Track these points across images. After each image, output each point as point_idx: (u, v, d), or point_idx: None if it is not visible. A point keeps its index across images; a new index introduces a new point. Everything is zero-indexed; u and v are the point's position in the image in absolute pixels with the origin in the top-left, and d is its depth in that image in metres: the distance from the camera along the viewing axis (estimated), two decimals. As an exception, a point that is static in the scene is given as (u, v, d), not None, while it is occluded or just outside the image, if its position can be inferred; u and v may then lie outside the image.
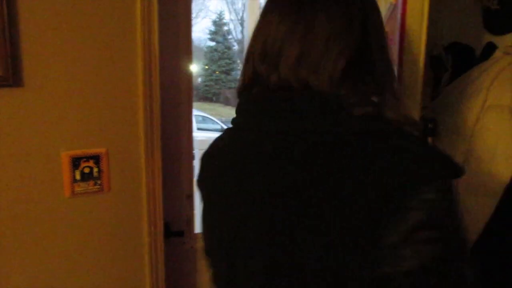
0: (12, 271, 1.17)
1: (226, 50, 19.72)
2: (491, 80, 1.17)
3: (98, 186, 1.25)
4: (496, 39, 1.43)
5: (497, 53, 1.28)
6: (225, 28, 20.40)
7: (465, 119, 1.17)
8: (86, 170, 1.24)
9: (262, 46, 0.65)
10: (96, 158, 1.24)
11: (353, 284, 0.53)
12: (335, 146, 0.57)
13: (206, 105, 18.20)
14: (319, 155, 0.57)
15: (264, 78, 0.64)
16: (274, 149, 0.62)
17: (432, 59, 1.48)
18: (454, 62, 1.56)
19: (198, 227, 1.45)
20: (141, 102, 1.25)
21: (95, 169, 1.25)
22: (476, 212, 1.10)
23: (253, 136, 0.66)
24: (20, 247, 1.17)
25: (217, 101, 19.66)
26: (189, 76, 1.43)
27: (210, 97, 19.99)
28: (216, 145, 0.77)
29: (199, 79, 19.63)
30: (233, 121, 0.72)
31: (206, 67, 20.09)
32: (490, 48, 1.39)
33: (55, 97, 1.15)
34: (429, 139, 1.26)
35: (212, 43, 20.23)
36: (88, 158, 1.23)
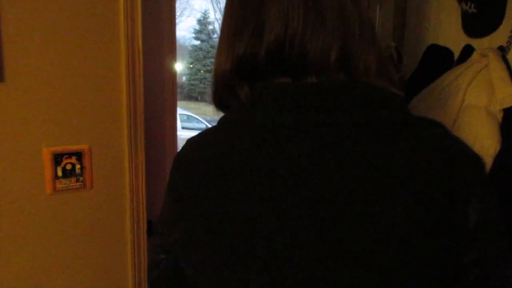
0: (-9, 268, 1.15)
1: (211, 49, 19.65)
2: (469, 81, 1.20)
3: (80, 183, 1.25)
4: (474, 42, 1.47)
5: (474, 56, 1.31)
6: (210, 27, 20.35)
7: (443, 120, 1.20)
8: (68, 167, 1.23)
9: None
10: (79, 155, 1.23)
11: None
12: (390, 140, 0.52)
13: (191, 104, 18.13)
14: (374, 152, 0.51)
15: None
16: (322, 146, 0.53)
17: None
18: (431, 64, 1.60)
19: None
20: (124, 99, 1.25)
21: (78, 166, 1.24)
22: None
23: (286, 133, 0.55)
24: (0, 244, 1.15)
25: (202, 100, 19.59)
26: (173, 74, 1.44)
27: (195, 96, 19.92)
28: (208, 144, 0.64)
29: (184, 78, 19.54)
30: (245, 115, 0.60)
31: (191, 66, 20.01)
32: (468, 51, 1.43)
33: (37, 92, 1.14)
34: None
35: (197, 42, 20.17)
36: (70, 154, 1.22)
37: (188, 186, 0.63)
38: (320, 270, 0.50)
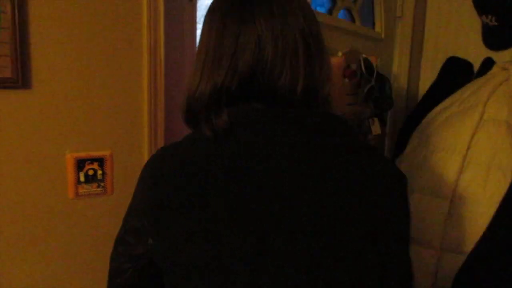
0: (14, 271, 1.18)
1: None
2: (488, 95, 1.20)
3: (102, 189, 1.27)
4: (494, 55, 1.47)
5: (495, 69, 1.30)
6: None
7: (461, 134, 1.19)
8: (90, 172, 1.25)
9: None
10: (101, 161, 1.26)
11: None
12: (352, 160, 0.67)
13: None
14: (343, 168, 0.66)
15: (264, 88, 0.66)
16: (296, 162, 0.64)
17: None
18: (451, 76, 1.59)
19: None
20: (146, 106, 1.28)
21: (99, 172, 1.27)
22: (471, 221, 1.13)
23: (262, 147, 0.64)
24: (23, 247, 1.18)
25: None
26: (193, 82, 1.46)
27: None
28: (182, 153, 0.70)
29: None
30: (220, 130, 0.65)
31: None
32: (489, 64, 1.42)
33: (63, 100, 1.17)
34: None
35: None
36: (92, 160, 1.25)
37: (173, 195, 0.66)
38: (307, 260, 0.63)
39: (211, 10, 0.73)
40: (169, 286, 0.70)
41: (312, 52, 0.67)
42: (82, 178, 1.24)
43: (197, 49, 0.72)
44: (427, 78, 1.75)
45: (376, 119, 1.41)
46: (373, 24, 1.66)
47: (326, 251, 0.63)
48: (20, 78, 1.11)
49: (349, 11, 1.56)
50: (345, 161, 0.66)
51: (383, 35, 1.67)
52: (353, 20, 1.57)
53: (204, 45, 0.69)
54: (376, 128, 1.43)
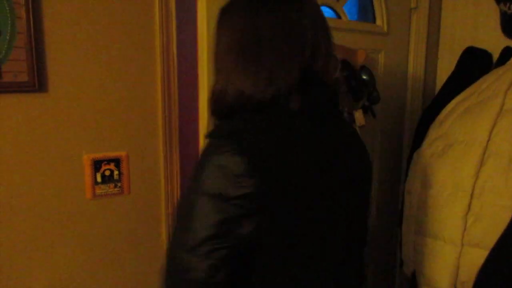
0: (34, 270, 1.20)
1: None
2: (508, 84, 1.16)
3: (118, 189, 1.29)
4: (514, 44, 1.43)
5: (515, 58, 1.27)
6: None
7: (481, 125, 1.16)
8: (107, 173, 1.27)
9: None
10: (117, 161, 1.27)
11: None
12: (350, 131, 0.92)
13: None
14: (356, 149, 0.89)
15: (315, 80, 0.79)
16: (339, 146, 0.83)
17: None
18: (469, 67, 1.56)
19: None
20: (160, 107, 1.29)
21: (116, 172, 1.28)
22: (493, 215, 1.10)
23: (318, 132, 0.80)
24: (42, 247, 1.20)
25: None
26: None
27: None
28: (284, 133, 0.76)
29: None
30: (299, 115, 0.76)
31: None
32: (508, 53, 1.38)
33: (78, 102, 1.19)
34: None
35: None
36: (109, 161, 1.26)
37: (283, 171, 0.72)
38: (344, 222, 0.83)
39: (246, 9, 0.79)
40: (260, 270, 0.74)
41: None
42: (99, 179, 1.26)
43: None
44: (444, 70, 1.72)
45: (360, 110, 1.41)
46: (374, 19, 1.64)
47: (356, 202, 0.87)
48: (36, 82, 1.13)
49: (332, 8, 1.55)
50: (350, 133, 0.90)
51: (385, 29, 1.64)
52: (339, 16, 1.57)
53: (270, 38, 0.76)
54: (360, 120, 1.43)
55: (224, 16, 0.82)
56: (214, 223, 0.69)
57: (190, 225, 0.70)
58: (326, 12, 1.54)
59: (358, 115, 1.41)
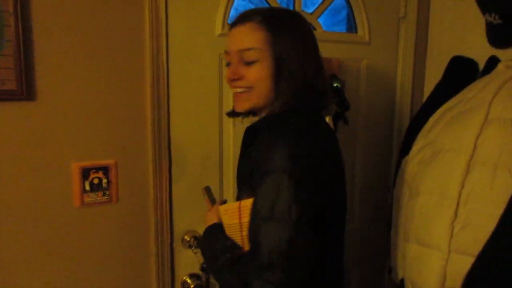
0: (22, 279, 1.19)
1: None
2: (494, 93, 1.18)
3: (107, 197, 1.28)
4: (499, 53, 1.45)
5: (500, 67, 1.29)
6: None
7: (466, 134, 1.18)
8: (96, 181, 1.27)
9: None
10: (105, 169, 1.27)
11: None
12: None
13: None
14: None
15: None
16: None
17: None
18: (455, 76, 1.58)
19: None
20: (149, 115, 1.29)
21: (104, 180, 1.28)
22: (479, 223, 1.11)
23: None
24: (29, 255, 1.19)
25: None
26: (196, 89, 1.46)
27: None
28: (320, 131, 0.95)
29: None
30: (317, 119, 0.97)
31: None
32: (493, 62, 1.40)
33: (67, 110, 1.19)
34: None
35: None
36: (97, 169, 1.26)
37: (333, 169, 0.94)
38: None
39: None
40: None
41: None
42: (87, 187, 1.25)
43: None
44: (432, 78, 1.74)
45: (328, 117, 1.45)
46: (356, 29, 1.68)
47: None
48: (25, 90, 1.13)
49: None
50: None
51: (367, 38, 1.67)
52: (314, 28, 1.61)
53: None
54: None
55: (280, 27, 0.93)
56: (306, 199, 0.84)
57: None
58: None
59: (328, 121, 1.44)
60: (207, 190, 1.14)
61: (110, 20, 1.22)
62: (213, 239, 0.95)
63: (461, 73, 1.56)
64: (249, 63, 0.92)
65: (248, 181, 0.91)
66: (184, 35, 1.32)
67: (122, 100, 1.26)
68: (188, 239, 1.38)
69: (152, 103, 1.28)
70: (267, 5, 1.54)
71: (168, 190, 1.33)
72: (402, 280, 1.32)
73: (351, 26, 1.73)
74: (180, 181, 1.35)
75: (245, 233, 0.88)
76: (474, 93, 1.27)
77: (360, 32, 1.68)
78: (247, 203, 0.87)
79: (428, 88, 1.77)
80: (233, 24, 0.96)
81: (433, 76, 1.74)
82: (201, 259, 1.34)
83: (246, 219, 0.87)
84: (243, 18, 0.94)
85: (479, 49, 1.53)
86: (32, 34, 1.12)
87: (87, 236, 1.26)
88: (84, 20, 1.18)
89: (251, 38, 0.91)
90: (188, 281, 1.40)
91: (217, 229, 0.98)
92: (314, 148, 0.87)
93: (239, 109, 0.97)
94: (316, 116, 0.97)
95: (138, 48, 1.26)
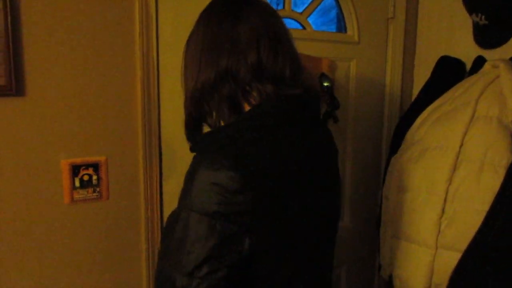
0: (11, 276, 1.18)
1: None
2: (480, 92, 1.21)
3: (97, 194, 1.28)
4: (485, 53, 1.47)
5: (486, 66, 1.31)
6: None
7: (453, 131, 1.20)
8: (85, 178, 1.26)
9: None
10: (96, 166, 1.27)
11: None
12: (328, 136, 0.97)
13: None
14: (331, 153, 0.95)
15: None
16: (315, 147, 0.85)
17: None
18: (443, 76, 1.60)
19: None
20: (139, 111, 1.29)
21: (94, 177, 1.27)
22: (466, 219, 1.13)
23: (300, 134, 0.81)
24: (19, 252, 1.18)
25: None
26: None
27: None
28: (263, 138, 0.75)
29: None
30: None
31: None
32: (480, 62, 1.43)
33: (56, 106, 1.19)
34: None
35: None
36: (87, 166, 1.26)
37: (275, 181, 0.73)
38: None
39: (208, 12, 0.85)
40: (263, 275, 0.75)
41: (292, 43, 0.86)
42: (77, 184, 1.25)
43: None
44: (421, 78, 1.76)
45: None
46: (345, 29, 1.70)
47: (334, 204, 0.93)
48: (14, 86, 1.12)
49: (296, 20, 1.63)
50: (325, 136, 0.92)
51: (356, 38, 1.69)
52: (304, 27, 1.63)
53: (201, 35, 0.82)
54: None
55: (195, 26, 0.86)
56: (214, 243, 0.67)
57: (186, 246, 0.68)
58: (292, 24, 1.62)
59: None
60: None
61: (100, 16, 1.21)
62: None
63: (449, 73, 1.58)
64: None
65: None
66: (174, 31, 1.32)
67: (113, 96, 1.26)
68: (178, 236, 1.38)
69: (143, 99, 1.28)
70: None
71: (158, 187, 1.33)
72: (390, 277, 1.34)
73: (341, 26, 1.75)
74: (170, 178, 1.35)
75: None
76: (461, 92, 1.30)
77: (349, 31, 1.70)
78: None
79: (417, 87, 1.79)
80: None
81: (422, 75, 1.77)
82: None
83: None
84: None
85: (466, 49, 1.56)
86: (21, 30, 1.12)
87: (77, 233, 1.26)
88: (74, 16, 1.18)
89: None
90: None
91: None
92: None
93: None
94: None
95: (128, 45, 1.26)
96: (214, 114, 0.82)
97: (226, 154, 0.69)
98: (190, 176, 0.71)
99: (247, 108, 0.81)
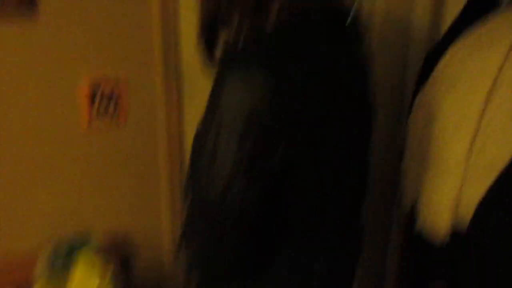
0: (26, 201, 1.19)
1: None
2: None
3: (115, 119, 1.27)
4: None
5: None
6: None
7: (484, 67, 1.14)
8: (103, 104, 1.24)
9: None
10: (113, 95, 1.25)
11: None
12: None
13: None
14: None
15: None
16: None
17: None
18: (475, 13, 1.52)
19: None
20: (159, 33, 1.23)
21: (112, 103, 1.25)
22: (495, 150, 1.10)
23: None
24: (41, 174, 1.19)
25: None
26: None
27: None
28: None
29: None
30: None
31: None
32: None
33: (70, 27, 1.14)
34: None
35: None
36: (104, 94, 1.23)
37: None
38: None
39: None
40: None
41: None
42: (95, 110, 1.23)
43: None
44: (451, 17, 1.68)
45: None
46: None
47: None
48: (27, 6, 1.07)
49: None
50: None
51: None
52: None
53: None
54: None
55: None
56: (249, 148, 0.62)
57: (216, 162, 0.63)
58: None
59: None
60: None
61: None
62: None
63: (482, 10, 1.49)
64: None
65: None
66: None
67: (130, 14, 1.20)
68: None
69: (161, 14, 1.22)
70: None
71: (178, 112, 1.30)
72: (412, 208, 1.32)
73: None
74: (192, 99, 1.32)
75: None
76: (499, 22, 1.22)
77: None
78: None
79: (445, 25, 1.71)
80: None
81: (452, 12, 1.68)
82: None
83: None
84: None
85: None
86: None
87: (96, 158, 1.26)
88: None
89: None
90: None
91: None
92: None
93: None
94: None
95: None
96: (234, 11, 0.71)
97: (262, 63, 0.62)
98: (218, 89, 0.65)
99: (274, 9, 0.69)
